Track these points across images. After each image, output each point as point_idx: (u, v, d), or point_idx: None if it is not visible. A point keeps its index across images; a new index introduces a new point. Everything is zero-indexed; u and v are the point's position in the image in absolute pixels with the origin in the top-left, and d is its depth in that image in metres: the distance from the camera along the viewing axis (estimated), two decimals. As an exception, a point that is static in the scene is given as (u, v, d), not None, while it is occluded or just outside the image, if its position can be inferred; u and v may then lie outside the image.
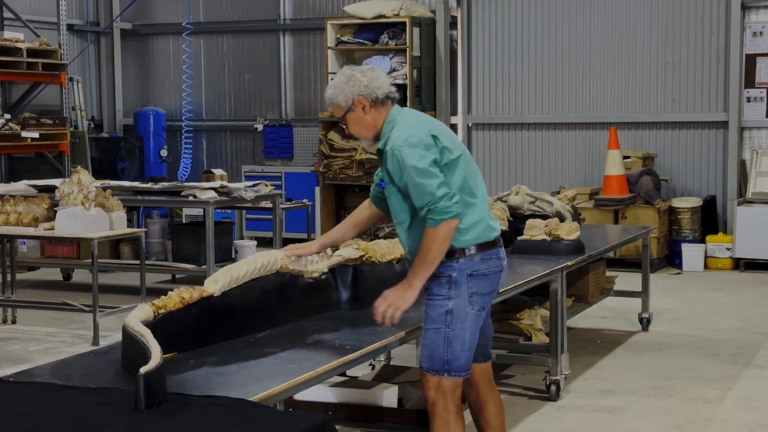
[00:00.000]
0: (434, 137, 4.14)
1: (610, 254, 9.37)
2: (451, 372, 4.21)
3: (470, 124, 12.42)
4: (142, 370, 3.10)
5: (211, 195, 8.88)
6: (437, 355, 4.21)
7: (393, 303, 4.14)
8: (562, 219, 6.99)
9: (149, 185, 9.50)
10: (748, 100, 11.16)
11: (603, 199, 10.94)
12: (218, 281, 4.08)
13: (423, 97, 11.72)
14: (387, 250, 5.11)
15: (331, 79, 4.39)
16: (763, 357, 7.18)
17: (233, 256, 9.56)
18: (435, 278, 4.19)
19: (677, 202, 11.14)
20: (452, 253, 4.16)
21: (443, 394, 4.24)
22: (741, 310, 8.85)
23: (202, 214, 9.82)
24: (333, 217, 11.87)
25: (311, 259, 4.69)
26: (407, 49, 11.40)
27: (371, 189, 4.59)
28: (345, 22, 11.78)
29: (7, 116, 11.08)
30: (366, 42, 11.64)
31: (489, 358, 4.55)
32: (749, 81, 11.12)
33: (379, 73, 4.27)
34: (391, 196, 4.23)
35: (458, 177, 4.16)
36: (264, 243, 11.12)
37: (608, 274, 8.01)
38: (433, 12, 12.07)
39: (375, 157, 11.36)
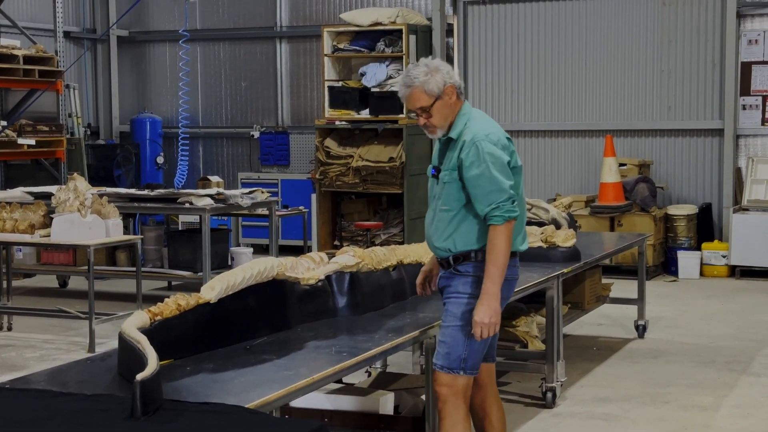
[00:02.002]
0: (508, 140, 4.33)
1: (606, 261, 9.39)
2: (467, 370, 4.29)
3: (466, 132, 12.41)
4: (139, 376, 3.11)
5: (208, 202, 8.89)
6: (455, 353, 4.27)
7: (487, 323, 4.17)
8: (558, 226, 6.99)
9: (145, 192, 9.49)
10: (744, 107, 11.18)
11: (599, 207, 10.96)
12: (215, 288, 4.08)
13: (419, 105, 11.71)
14: (383, 257, 5.12)
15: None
16: (758, 364, 7.19)
17: (229, 263, 9.56)
18: (463, 277, 4.27)
19: (673, 210, 11.15)
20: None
21: (455, 393, 4.29)
22: (737, 317, 8.86)
23: (199, 221, 9.82)
24: (329, 224, 11.86)
25: (307, 266, 4.70)
26: (403, 56, 11.41)
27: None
28: (341, 29, 11.80)
29: (4, 123, 11.08)
30: (362, 49, 11.66)
31: (494, 359, 4.60)
32: (744, 89, 11.14)
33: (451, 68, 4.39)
34: (449, 183, 4.28)
35: (516, 184, 4.30)
36: (260, 250, 11.11)
37: (604, 281, 8.01)
38: (430, 19, 12.09)
39: (371, 165, 11.45)
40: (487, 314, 4.17)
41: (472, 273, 4.26)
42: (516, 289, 5.51)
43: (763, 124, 11.17)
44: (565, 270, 6.28)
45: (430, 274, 4.63)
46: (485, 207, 4.19)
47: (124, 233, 8.34)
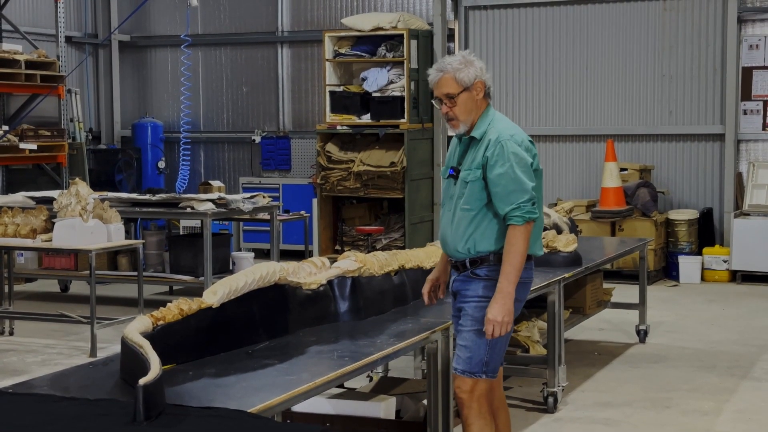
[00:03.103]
0: (531, 143, 4.34)
1: (607, 266, 9.39)
2: (488, 373, 4.31)
3: (467, 137, 12.42)
4: (141, 381, 3.11)
5: (209, 207, 8.89)
6: (477, 357, 4.28)
7: (500, 322, 4.18)
8: (559, 231, 7.00)
9: (147, 197, 9.50)
10: (745, 112, 11.19)
11: (600, 211, 10.96)
12: (217, 293, 4.09)
13: (420, 109, 11.74)
14: (385, 261, 5.12)
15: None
16: (760, 369, 7.19)
17: (231, 267, 9.56)
18: (482, 280, 4.28)
19: (674, 215, 11.16)
20: None
21: (478, 397, 4.31)
22: (738, 322, 8.85)
23: (200, 225, 9.83)
24: (330, 228, 11.87)
25: (309, 271, 4.71)
26: (405, 61, 11.43)
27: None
28: (343, 34, 11.81)
29: (5, 128, 11.08)
30: (364, 54, 11.67)
31: (502, 362, 4.58)
32: (745, 94, 11.15)
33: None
34: (472, 183, 4.29)
35: (536, 187, 4.32)
36: (261, 255, 11.11)
37: (605, 286, 8.02)
38: (431, 24, 12.10)
39: (373, 169, 11.45)
40: (500, 313, 4.17)
41: (492, 276, 4.26)
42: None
43: (763, 129, 11.17)
44: (567, 275, 6.28)
45: (437, 282, 4.61)
46: (506, 206, 4.20)
47: (126, 238, 8.34)
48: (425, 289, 4.62)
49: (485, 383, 4.32)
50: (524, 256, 4.22)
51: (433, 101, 4.43)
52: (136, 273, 8.45)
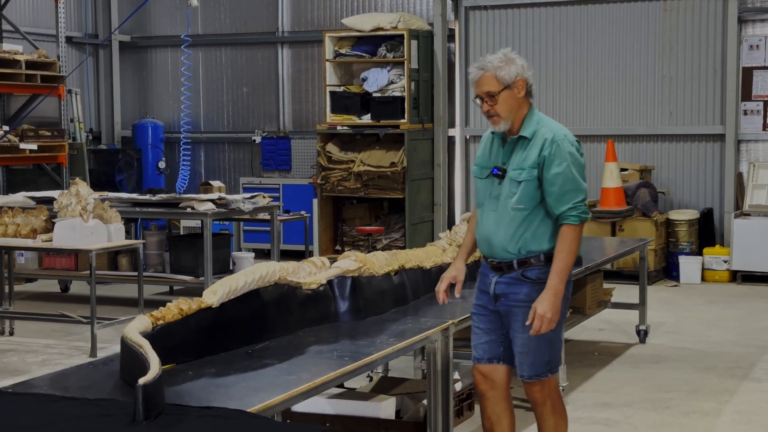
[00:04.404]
0: (579, 144, 4.34)
1: (608, 266, 9.39)
2: (552, 370, 4.39)
3: (468, 137, 12.44)
4: (141, 381, 3.11)
5: (209, 207, 8.89)
6: (540, 359, 4.34)
7: (549, 318, 4.20)
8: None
9: (147, 197, 9.50)
10: (745, 113, 11.19)
11: (600, 212, 10.96)
12: (216, 293, 4.09)
13: (421, 110, 11.75)
14: (385, 261, 5.12)
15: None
16: (760, 370, 7.19)
17: (231, 267, 9.56)
18: (534, 284, 4.28)
19: (674, 215, 11.16)
20: None
21: (549, 392, 4.42)
22: (738, 323, 8.85)
23: (200, 225, 9.83)
24: (331, 229, 11.87)
25: (309, 271, 4.71)
26: (405, 61, 11.43)
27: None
28: (343, 34, 11.81)
29: (6, 128, 11.08)
30: (364, 54, 11.67)
31: (514, 364, 4.57)
32: (746, 94, 11.15)
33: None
34: (526, 182, 4.26)
35: None
36: (262, 255, 11.11)
37: (605, 286, 8.01)
38: (431, 25, 12.10)
39: (373, 170, 11.45)
40: (549, 309, 4.19)
41: (543, 278, 4.26)
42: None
43: (764, 129, 11.17)
44: (567, 275, 6.26)
45: (455, 280, 4.54)
46: (562, 206, 4.21)
47: (126, 238, 8.34)
48: (441, 287, 4.54)
49: (553, 379, 4.42)
50: (575, 256, 4.25)
51: (474, 100, 4.37)
52: (136, 273, 8.45)
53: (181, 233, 11.39)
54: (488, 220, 4.36)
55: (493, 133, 4.42)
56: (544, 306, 4.18)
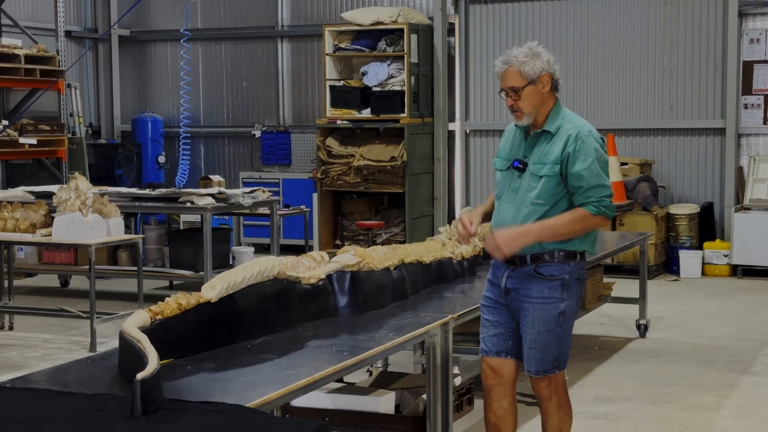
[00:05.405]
0: (604, 140, 4.35)
1: (608, 261, 9.39)
2: (560, 366, 4.38)
3: (468, 131, 12.43)
4: (139, 376, 3.10)
5: (209, 201, 8.88)
6: (548, 356, 4.34)
7: (497, 246, 4.20)
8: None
9: (147, 192, 9.49)
10: (746, 107, 11.18)
11: (600, 206, 10.93)
12: (215, 287, 4.07)
13: (421, 104, 11.73)
14: (384, 256, 5.11)
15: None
16: (760, 364, 7.18)
17: (231, 262, 9.56)
18: (547, 281, 4.27)
19: (675, 209, 11.15)
20: (571, 256, 4.29)
21: (556, 388, 4.42)
22: (738, 317, 8.85)
23: (200, 220, 9.82)
24: (331, 223, 11.86)
25: (308, 265, 4.70)
26: (405, 55, 11.41)
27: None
28: (343, 28, 11.79)
29: (5, 122, 11.08)
30: (364, 48, 11.65)
31: (521, 358, 4.54)
32: (746, 88, 11.14)
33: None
34: (548, 177, 4.24)
35: None
36: (261, 249, 11.10)
37: (606, 280, 8.01)
38: (431, 19, 12.09)
39: (373, 164, 11.44)
40: (506, 241, 4.18)
41: (556, 275, 4.26)
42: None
43: (764, 123, 11.16)
44: (567, 269, 6.26)
45: (475, 216, 4.45)
46: (585, 200, 4.20)
47: (126, 233, 8.33)
48: (464, 219, 4.43)
49: (560, 375, 4.42)
50: (569, 236, 4.23)
51: (499, 93, 4.33)
52: (135, 268, 8.44)
53: (181, 228, 11.38)
54: (505, 213, 4.35)
55: (516, 125, 4.39)
56: (504, 236, 4.19)
